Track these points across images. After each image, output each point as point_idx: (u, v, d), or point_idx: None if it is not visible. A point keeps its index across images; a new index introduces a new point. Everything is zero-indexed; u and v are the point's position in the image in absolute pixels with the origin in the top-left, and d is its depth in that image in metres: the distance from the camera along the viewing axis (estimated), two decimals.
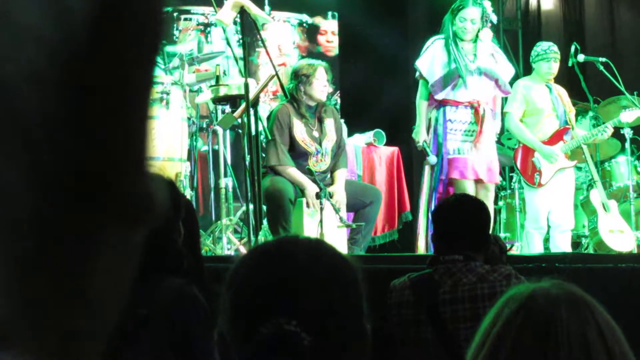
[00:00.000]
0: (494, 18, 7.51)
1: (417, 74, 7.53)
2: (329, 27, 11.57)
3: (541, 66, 8.14)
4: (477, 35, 7.39)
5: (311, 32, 11.38)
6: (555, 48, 8.17)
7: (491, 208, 7.49)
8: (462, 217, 4.32)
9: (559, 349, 1.75)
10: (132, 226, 0.63)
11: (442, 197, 7.22)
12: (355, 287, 1.76)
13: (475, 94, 7.35)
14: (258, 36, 6.87)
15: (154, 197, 0.63)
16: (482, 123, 7.31)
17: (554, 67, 8.13)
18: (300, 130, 7.09)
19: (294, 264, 1.73)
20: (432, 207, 7.24)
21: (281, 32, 10.98)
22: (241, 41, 6.75)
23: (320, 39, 11.44)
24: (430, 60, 7.42)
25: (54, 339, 0.59)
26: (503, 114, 8.04)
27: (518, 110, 8.05)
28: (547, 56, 8.11)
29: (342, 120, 7.73)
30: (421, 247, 7.43)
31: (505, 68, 7.59)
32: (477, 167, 7.33)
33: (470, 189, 7.20)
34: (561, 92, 8.26)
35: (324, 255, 1.77)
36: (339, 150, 7.29)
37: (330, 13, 11.58)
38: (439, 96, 7.36)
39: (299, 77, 7.15)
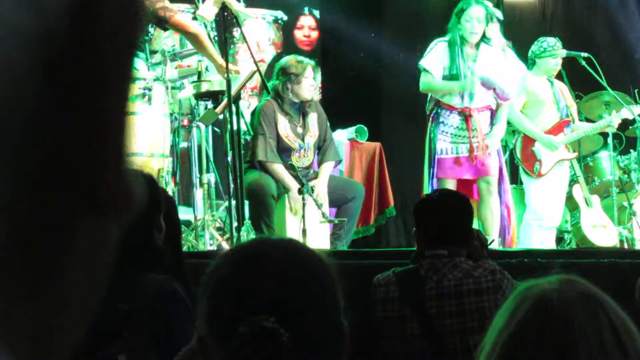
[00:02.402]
0: (498, 14, 7.55)
1: (422, 71, 7.54)
2: (306, 22, 11.57)
3: (549, 62, 8.19)
4: (484, 35, 7.40)
5: (287, 29, 11.37)
6: (560, 44, 8.22)
7: (496, 203, 7.52)
8: (444, 212, 4.35)
9: (577, 350, 1.74)
10: (108, 219, 0.62)
11: None
12: (331, 284, 1.76)
13: (469, 102, 7.38)
14: (240, 32, 6.85)
15: (131, 190, 0.63)
16: (476, 131, 7.33)
17: (560, 63, 8.20)
18: (284, 126, 7.09)
19: (268, 263, 1.73)
20: None
21: (258, 28, 10.95)
22: (222, 37, 6.72)
23: (297, 33, 11.43)
24: (434, 60, 7.45)
25: (28, 331, 0.58)
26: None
27: (518, 101, 8.08)
28: (555, 52, 8.16)
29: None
30: None
31: (511, 70, 7.60)
32: (465, 167, 7.37)
33: (452, 188, 7.24)
34: (562, 87, 8.33)
35: (298, 253, 1.77)
36: (324, 144, 7.29)
37: (307, 8, 11.58)
38: (422, 91, 7.42)
39: (288, 75, 7.13)
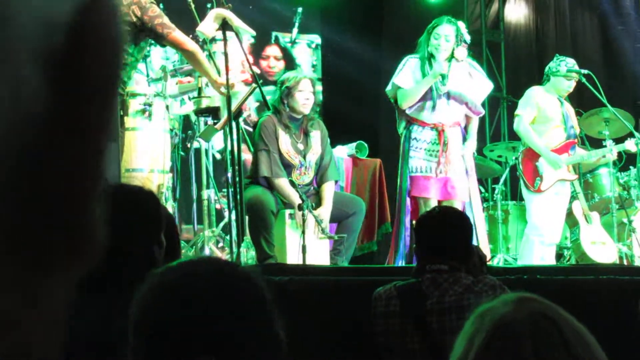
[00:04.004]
0: (467, 37, 7.57)
1: (392, 90, 7.56)
2: (272, 52, 11.55)
3: (562, 82, 8.20)
4: (452, 54, 7.43)
5: (256, 51, 11.35)
6: (577, 67, 8.24)
7: None
8: (446, 229, 4.37)
9: None
10: (72, 266, 0.63)
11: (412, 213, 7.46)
12: (261, 299, 1.75)
13: (441, 117, 7.43)
14: (241, 48, 6.84)
15: (96, 238, 0.64)
16: (446, 146, 7.36)
17: (573, 85, 8.22)
18: (285, 142, 7.09)
19: (194, 290, 1.71)
20: (407, 223, 7.38)
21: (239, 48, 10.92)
22: (225, 53, 6.72)
23: (262, 63, 11.39)
24: (407, 75, 7.47)
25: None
26: (513, 116, 8.29)
27: (529, 115, 8.11)
28: (571, 75, 8.17)
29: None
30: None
31: (480, 86, 7.63)
32: (439, 186, 7.38)
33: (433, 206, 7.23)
34: (570, 109, 8.33)
35: (223, 275, 1.76)
36: (322, 162, 7.28)
37: (273, 36, 11.55)
38: (409, 111, 7.44)
39: (282, 89, 7.15)
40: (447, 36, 7.41)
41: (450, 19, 7.53)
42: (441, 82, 7.38)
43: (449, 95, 7.42)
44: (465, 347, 1.83)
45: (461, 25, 7.55)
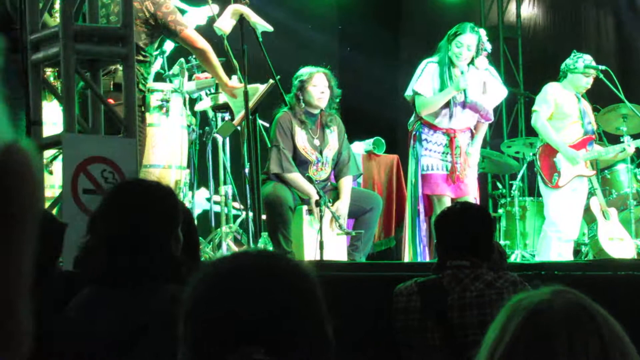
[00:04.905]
0: (488, 47, 7.51)
1: (411, 95, 7.52)
2: None
3: (580, 79, 8.15)
4: (472, 61, 7.40)
5: None
6: (594, 63, 8.19)
7: None
8: (466, 225, 4.37)
9: None
10: None
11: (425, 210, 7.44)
12: (314, 295, 1.75)
13: (454, 123, 7.42)
14: (258, 44, 6.85)
15: (22, 338, 0.66)
16: (458, 154, 7.38)
17: (591, 82, 8.17)
18: (301, 138, 7.09)
19: (247, 283, 1.70)
20: (419, 220, 7.36)
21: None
22: (241, 50, 6.72)
23: None
24: (426, 83, 7.41)
25: None
26: (530, 112, 8.26)
27: (546, 111, 8.07)
28: (589, 71, 8.13)
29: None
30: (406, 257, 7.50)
31: (496, 94, 7.61)
32: (450, 185, 7.36)
33: (447, 203, 7.20)
34: (587, 105, 8.29)
35: (277, 268, 1.75)
36: (339, 157, 7.28)
37: None
38: (423, 113, 7.42)
39: (296, 84, 7.16)
40: (470, 46, 7.36)
41: (473, 27, 7.45)
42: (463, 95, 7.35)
43: (464, 104, 7.39)
44: (498, 333, 1.82)
45: (482, 33, 7.49)
